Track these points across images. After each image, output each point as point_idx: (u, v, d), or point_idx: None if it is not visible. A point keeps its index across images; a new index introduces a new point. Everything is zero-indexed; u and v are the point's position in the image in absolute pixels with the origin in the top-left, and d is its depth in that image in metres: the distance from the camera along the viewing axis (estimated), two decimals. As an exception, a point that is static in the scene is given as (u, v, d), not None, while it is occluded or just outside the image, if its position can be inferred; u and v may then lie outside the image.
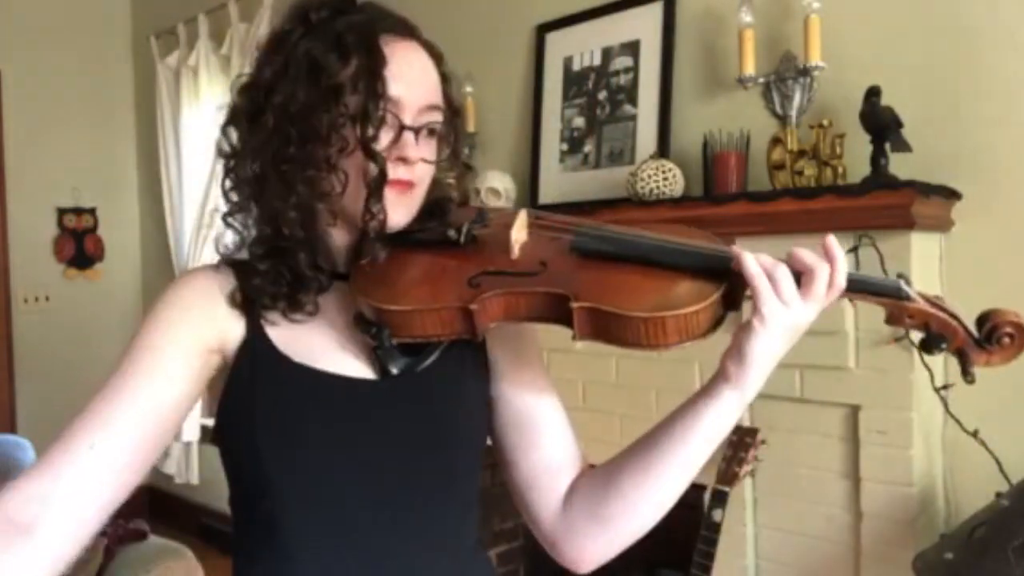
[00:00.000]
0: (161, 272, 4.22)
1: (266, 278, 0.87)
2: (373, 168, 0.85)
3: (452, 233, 0.91)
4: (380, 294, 0.85)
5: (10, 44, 3.95)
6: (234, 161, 0.90)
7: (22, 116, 3.99)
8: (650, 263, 0.83)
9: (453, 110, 0.96)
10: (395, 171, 0.87)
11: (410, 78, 0.88)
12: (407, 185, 0.89)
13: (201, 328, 0.86)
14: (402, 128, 0.87)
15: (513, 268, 0.87)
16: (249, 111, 0.88)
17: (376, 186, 0.85)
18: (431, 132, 0.91)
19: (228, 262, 0.92)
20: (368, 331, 0.86)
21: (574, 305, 0.79)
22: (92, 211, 4.26)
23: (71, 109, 4.17)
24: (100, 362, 4.67)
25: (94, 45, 4.29)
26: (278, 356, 0.86)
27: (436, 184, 0.97)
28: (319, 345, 0.88)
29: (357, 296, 0.87)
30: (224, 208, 0.92)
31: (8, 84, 3.96)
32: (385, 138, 0.86)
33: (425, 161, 0.90)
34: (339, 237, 0.92)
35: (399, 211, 0.89)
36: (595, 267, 0.85)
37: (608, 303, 0.79)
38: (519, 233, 0.90)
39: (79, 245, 4.22)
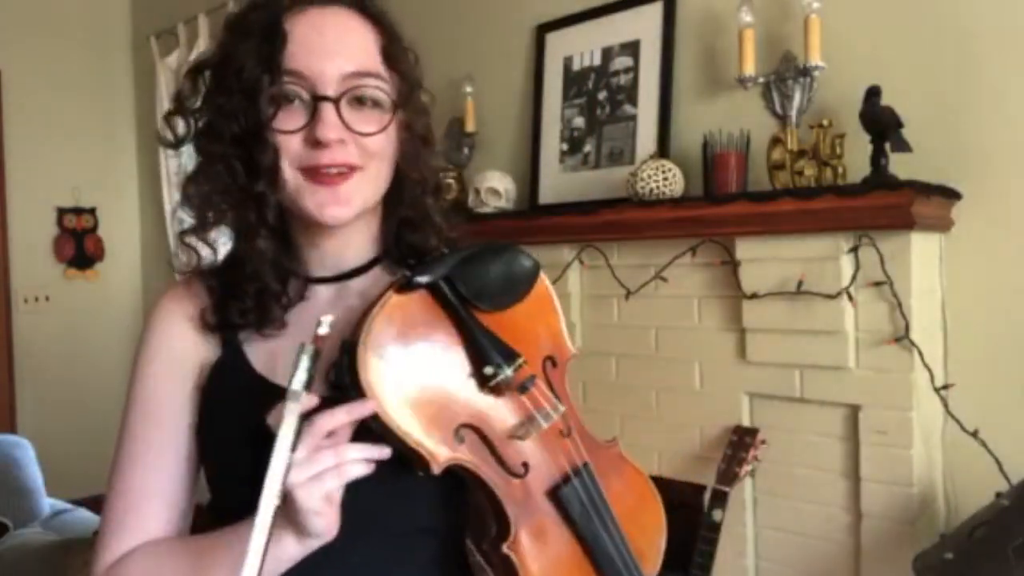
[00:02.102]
0: (161, 272, 4.22)
1: (230, 294, 0.84)
2: (267, 155, 0.78)
3: (489, 370, 0.77)
4: (372, 366, 0.73)
5: (10, 44, 3.95)
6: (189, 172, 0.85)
7: (22, 116, 3.98)
8: (597, 565, 0.82)
9: (402, 76, 0.84)
10: (311, 155, 0.78)
11: (321, 46, 0.78)
12: (333, 171, 0.79)
13: (181, 360, 0.86)
14: (315, 100, 0.78)
15: (502, 450, 0.78)
16: (188, 110, 0.85)
17: (269, 174, 0.78)
18: (361, 101, 0.80)
19: (200, 275, 0.88)
20: (338, 372, 0.76)
21: (505, 547, 0.76)
22: (92, 211, 4.26)
23: (71, 109, 4.16)
24: (100, 362, 4.68)
25: (94, 45, 4.29)
26: (251, 374, 0.84)
27: (425, 167, 0.88)
28: (283, 354, 0.83)
29: (363, 333, 0.74)
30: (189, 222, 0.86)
31: (8, 84, 3.96)
32: (295, 118, 0.78)
33: (358, 133, 0.79)
34: (307, 238, 0.86)
35: (332, 208, 0.80)
36: (555, 525, 0.80)
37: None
38: (536, 427, 0.80)
39: (79, 245, 4.21)
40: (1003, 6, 1.84)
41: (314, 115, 0.78)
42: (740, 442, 1.99)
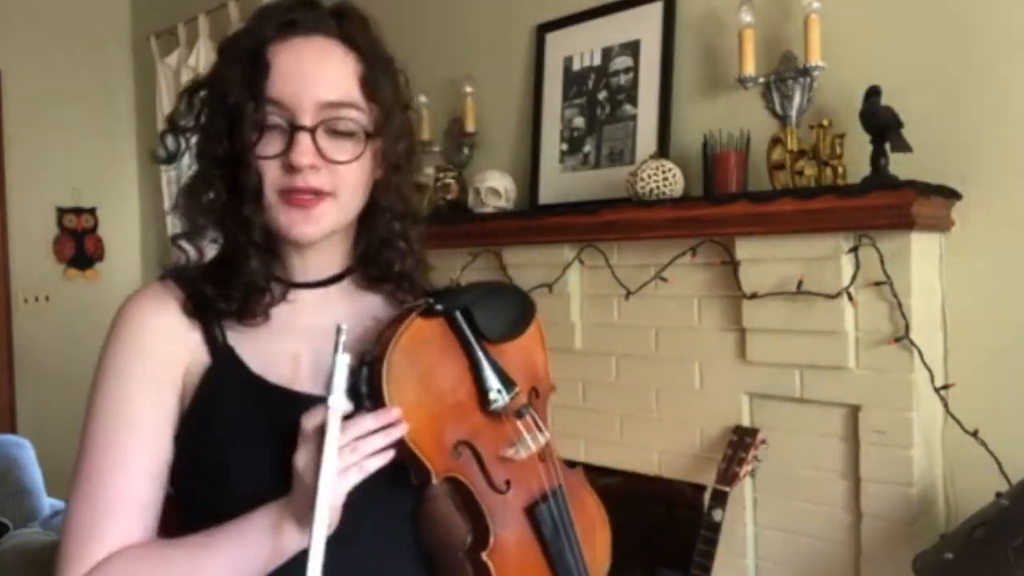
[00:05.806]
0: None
1: (216, 287, 0.86)
2: (252, 178, 0.83)
3: (492, 395, 0.87)
4: (393, 380, 0.79)
5: (10, 44, 3.95)
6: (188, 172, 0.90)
7: (22, 116, 3.98)
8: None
9: (380, 105, 0.87)
10: (286, 179, 0.83)
11: (300, 76, 0.83)
12: (306, 195, 0.83)
13: (164, 360, 0.85)
14: (293, 129, 0.82)
15: (490, 467, 0.86)
16: (184, 120, 0.89)
17: (254, 197, 0.83)
18: (338, 132, 0.84)
19: (174, 276, 0.90)
20: (355, 382, 0.80)
21: (484, 555, 0.83)
22: (92, 211, 4.26)
23: (71, 109, 4.16)
24: (100, 362, 4.63)
25: (94, 45, 4.29)
26: (249, 376, 0.86)
27: (395, 194, 0.92)
28: (279, 355, 0.87)
29: (388, 349, 0.80)
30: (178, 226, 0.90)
31: (8, 84, 3.96)
32: (274, 144, 0.83)
33: (331, 161, 0.83)
34: (293, 248, 0.90)
35: (302, 227, 0.85)
36: (527, 540, 0.88)
37: None
38: (524, 450, 0.89)
39: (79, 245, 4.21)
40: (1003, 6, 1.84)
41: (291, 142, 0.82)
42: (740, 442, 1.99)
